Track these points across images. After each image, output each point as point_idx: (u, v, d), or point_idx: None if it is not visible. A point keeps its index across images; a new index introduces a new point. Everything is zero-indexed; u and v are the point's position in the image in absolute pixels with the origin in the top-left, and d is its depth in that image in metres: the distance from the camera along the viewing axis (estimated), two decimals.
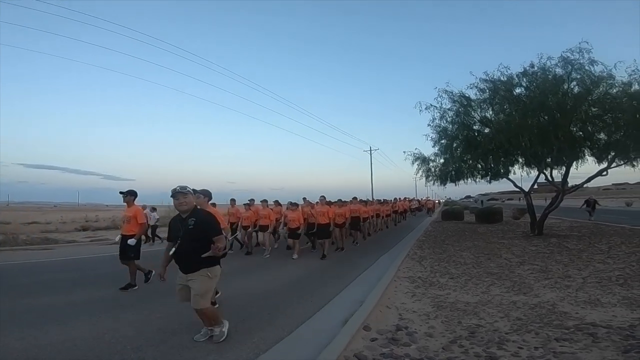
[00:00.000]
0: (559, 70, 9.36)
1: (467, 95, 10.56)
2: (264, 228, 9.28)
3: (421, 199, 42.74)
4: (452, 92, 10.64)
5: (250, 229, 9.46)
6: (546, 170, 11.31)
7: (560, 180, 11.43)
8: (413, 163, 12.54)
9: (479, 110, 10.49)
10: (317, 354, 3.15)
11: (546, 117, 9.16)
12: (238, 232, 9.82)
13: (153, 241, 12.58)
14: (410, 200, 29.91)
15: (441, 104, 10.87)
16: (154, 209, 13.15)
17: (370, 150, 39.89)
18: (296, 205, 9.51)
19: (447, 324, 3.91)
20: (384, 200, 19.01)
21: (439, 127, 10.93)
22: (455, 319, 4.06)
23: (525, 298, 4.79)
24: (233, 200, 10.78)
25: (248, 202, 9.88)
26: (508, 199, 64.52)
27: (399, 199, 23.17)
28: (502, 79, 10.10)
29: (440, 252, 8.92)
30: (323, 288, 5.82)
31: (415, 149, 12.62)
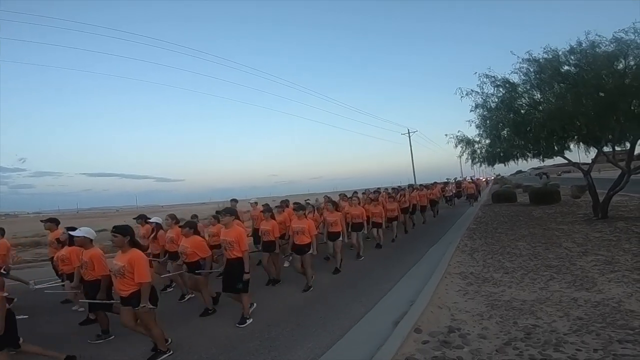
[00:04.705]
0: (611, 47, 8.58)
1: (511, 81, 10.01)
2: None
3: (465, 178, 31.37)
4: (494, 77, 10.12)
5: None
6: (606, 147, 10.42)
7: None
8: (456, 146, 12.14)
9: (526, 95, 9.88)
10: (369, 359, 3.28)
11: (602, 95, 8.43)
12: None
13: None
14: (445, 185, 22.15)
15: (482, 89, 10.41)
16: None
17: (409, 133, 38.72)
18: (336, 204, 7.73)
19: (502, 325, 3.85)
20: (388, 191, 12.80)
21: (482, 114, 10.47)
22: (510, 319, 3.97)
23: (588, 294, 4.53)
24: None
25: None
26: (564, 172, 59.33)
27: (415, 187, 15.31)
28: (546, 57, 9.43)
29: (492, 243, 8.58)
30: (374, 286, 5.93)
31: (458, 131, 12.12)
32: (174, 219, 6.31)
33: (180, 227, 5.77)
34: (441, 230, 11.88)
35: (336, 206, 7.75)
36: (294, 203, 7.33)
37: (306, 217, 6.28)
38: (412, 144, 39.00)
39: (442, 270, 6.23)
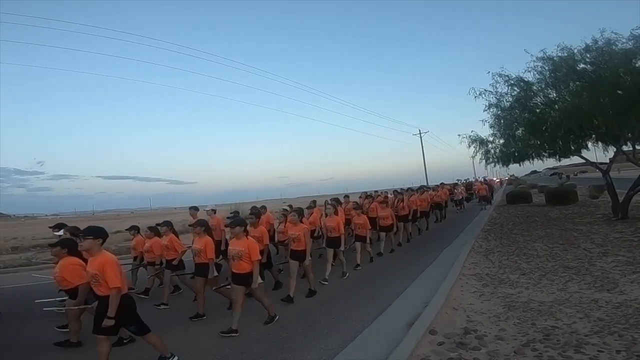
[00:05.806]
0: (629, 45, 8.47)
1: (525, 79, 9.92)
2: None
3: (477, 179, 28.63)
4: (508, 76, 10.03)
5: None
6: (626, 145, 10.18)
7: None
8: (470, 146, 11.98)
9: (541, 94, 9.77)
10: None
11: (621, 93, 8.27)
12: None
13: None
14: (454, 186, 20.17)
15: (496, 88, 10.31)
16: None
17: (420, 133, 38.49)
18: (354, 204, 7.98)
19: (520, 326, 3.76)
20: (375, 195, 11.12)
21: (496, 114, 10.37)
22: (528, 320, 3.88)
23: (609, 295, 4.41)
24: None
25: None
26: (581, 172, 57.88)
27: (416, 189, 12.86)
28: (561, 55, 9.31)
29: (508, 244, 8.42)
30: (386, 288, 5.86)
31: (472, 131, 11.92)
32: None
33: (51, 245, 4.52)
34: (454, 232, 11.70)
35: (301, 217, 6.00)
36: (233, 214, 5.91)
37: (247, 237, 4.52)
38: (423, 145, 38.83)
39: (456, 271, 6.13)
